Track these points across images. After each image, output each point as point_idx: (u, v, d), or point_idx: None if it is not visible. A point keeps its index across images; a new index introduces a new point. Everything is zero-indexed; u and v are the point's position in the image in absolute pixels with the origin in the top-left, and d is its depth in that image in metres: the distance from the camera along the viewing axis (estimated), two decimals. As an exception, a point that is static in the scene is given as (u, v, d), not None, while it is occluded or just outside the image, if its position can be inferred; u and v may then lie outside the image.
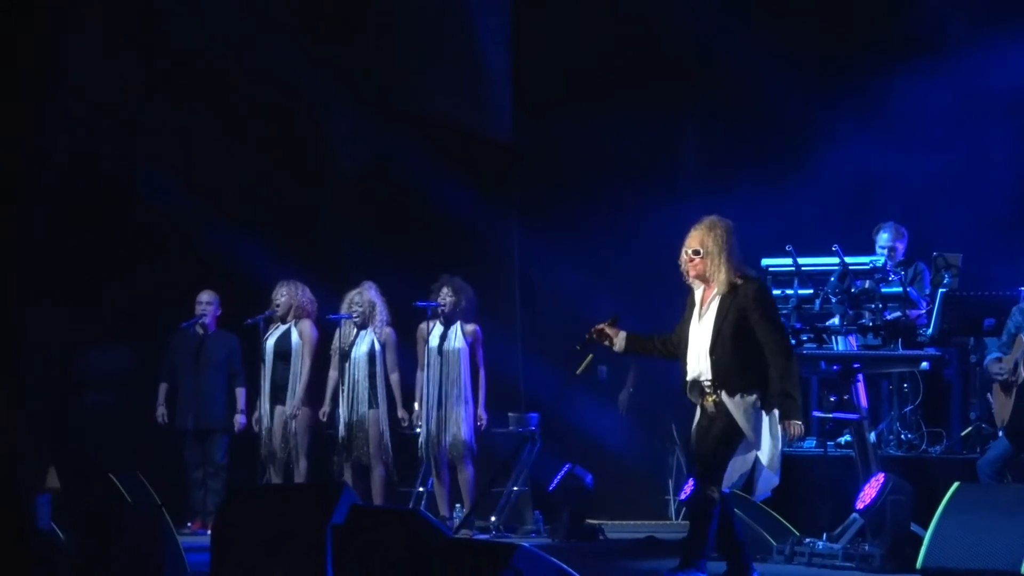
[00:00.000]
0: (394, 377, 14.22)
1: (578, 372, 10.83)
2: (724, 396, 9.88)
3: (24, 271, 15.66)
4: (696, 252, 10.07)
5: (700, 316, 10.06)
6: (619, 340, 10.28)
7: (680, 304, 15.80)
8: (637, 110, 16.47)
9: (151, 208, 15.78)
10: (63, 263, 15.66)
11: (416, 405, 14.23)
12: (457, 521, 13.64)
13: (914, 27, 15.73)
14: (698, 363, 10.00)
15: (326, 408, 14.35)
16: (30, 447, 15.51)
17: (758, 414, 9.95)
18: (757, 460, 10.01)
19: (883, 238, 13.57)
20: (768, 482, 10.11)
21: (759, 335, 9.92)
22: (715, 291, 10.03)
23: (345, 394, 14.24)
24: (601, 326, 10.26)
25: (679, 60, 16.34)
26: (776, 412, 9.86)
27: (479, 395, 14.12)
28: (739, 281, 10.03)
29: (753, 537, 11.64)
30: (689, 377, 10.06)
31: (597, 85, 16.54)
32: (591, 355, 10.57)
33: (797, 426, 9.80)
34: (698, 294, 10.13)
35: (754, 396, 9.92)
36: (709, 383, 9.95)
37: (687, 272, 10.10)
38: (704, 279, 10.06)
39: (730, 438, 9.92)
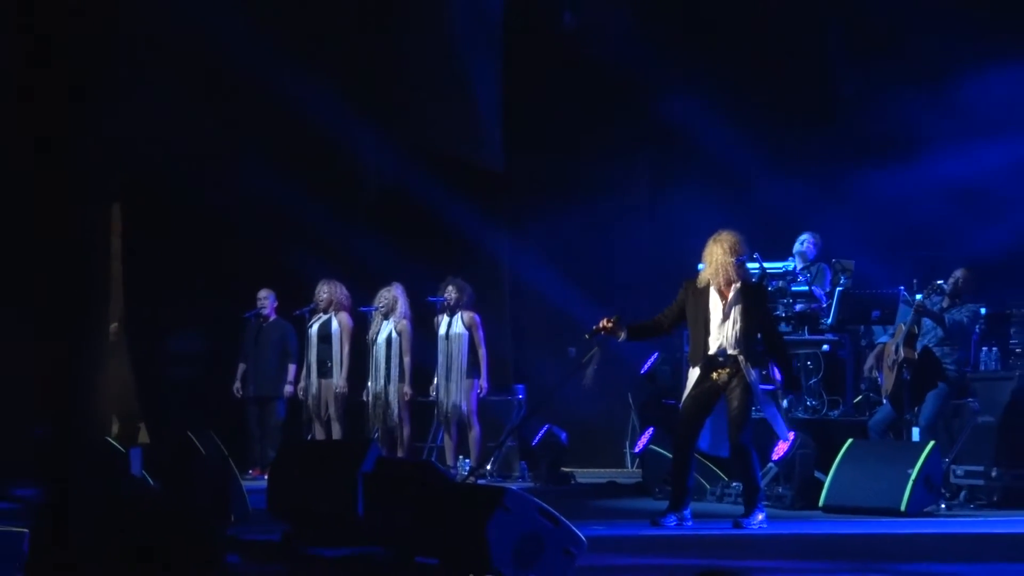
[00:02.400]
0: (406, 359, 14.16)
1: (584, 360, 10.76)
2: (749, 368, 9.90)
3: (129, 278, 15.77)
4: (740, 260, 10.07)
5: (727, 306, 10.00)
6: (622, 335, 10.19)
7: (632, 293, 15.85)
8: (603, 147, 16.54)
9: (224, 225, 15.81)
10: (160, 270, 15.75)
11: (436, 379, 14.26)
12: (459, 470, 13.67)
13: (815, 85, 15.83)
14: (723, 340, 9.98)
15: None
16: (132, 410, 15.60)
17: (759, 382, 10.08)
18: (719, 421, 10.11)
19: (803, 239, 13.56)
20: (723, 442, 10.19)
21: (763, 324, 10.07)
22: (735, 288, 10.03)
23: (372, 372, 14.28)
24: (607, 324, 10.13)
25: (637, 107, 16.41)
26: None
27: (481, 369, 14.12)
28: (751, 281, 10.24)
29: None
30: (711, 351, 10.01)
31: (571, 126, 16.59)
32: (596, 348, 10.45)
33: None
34: (713, 289, 10.07)
35: (762, 370, 10.15)
36: (725, 356, 9.96)
37: (728, 272, 10.01)
38: (735, 279, 10.04)
39: (749, 402, 9.97)
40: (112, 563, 2.23)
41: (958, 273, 12.29)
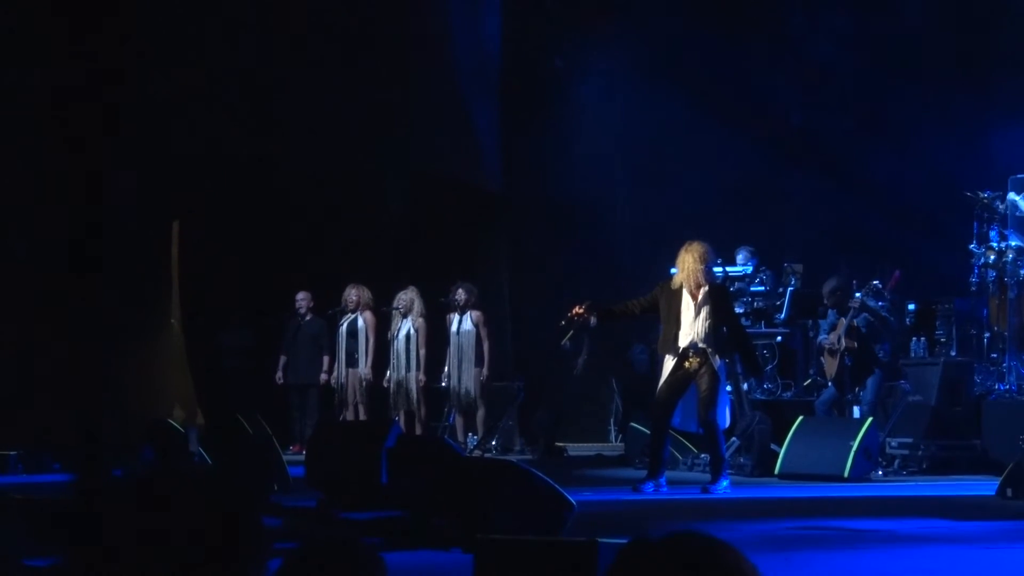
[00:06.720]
0: (422, 352, 14.09)
1: (563, 343, 10.68)
2: (716, 358, 9.79)
3: (186, 283, 15.75)
4: (708, 266, 9.98)
5: (697, 305, 9.85)
6: (593, 318, 10.12)
7: (608, 293, 15.83)
8: (587, 170, 16.50)
9: (266, 238, 15.82)
10: (213, 276, 15.72)
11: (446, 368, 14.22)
12: (468, 445, 13.60)
13: (769, 117, 15.79)
14: (694, 334, 9.82)
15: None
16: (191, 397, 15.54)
17: (724, 370, 10.00)
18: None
19: (739, 258, 13.46)
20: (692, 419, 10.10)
21: (725, 320, 9.96)
22: (704, 290, 9.91)
23: (393, 363, 14.23)
24: (579, 310, 10.05)
25: (614, 136, 16.41)
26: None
27: (486, 360, 14.04)
28: (716, 284, 10.17)
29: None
30: (683, 343, 9.85)
31: (560, 154, 16.56)
32: (572, 331, 10.39)
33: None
34: (686, 290, 9.92)
35: (725, 360, 10.06)
36: (696, 348, 9.81)
37: (698, 277, 9.85)
38: (703, 283, 9.92)
39: (717, 385, 9.87)
40: (149, 545, 2.07)
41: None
